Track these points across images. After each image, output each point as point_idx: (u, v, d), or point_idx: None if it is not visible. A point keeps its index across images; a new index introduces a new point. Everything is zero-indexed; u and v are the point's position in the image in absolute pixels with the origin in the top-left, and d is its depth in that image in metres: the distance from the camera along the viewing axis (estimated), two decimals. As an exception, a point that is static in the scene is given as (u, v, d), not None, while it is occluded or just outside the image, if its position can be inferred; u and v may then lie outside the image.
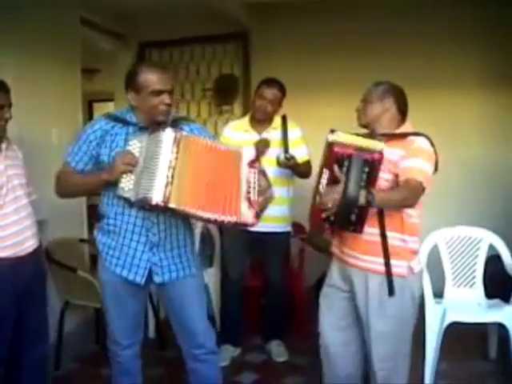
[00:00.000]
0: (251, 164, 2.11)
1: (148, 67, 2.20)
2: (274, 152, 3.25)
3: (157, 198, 2.00)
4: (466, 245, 3.26)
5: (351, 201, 1.94)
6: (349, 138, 2.04)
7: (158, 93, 2.15)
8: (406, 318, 2.21)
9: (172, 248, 2.29)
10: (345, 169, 1.97)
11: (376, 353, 2.19)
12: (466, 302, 3.16)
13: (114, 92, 5.22)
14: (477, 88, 4.24)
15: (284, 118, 3.34)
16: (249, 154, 2.15)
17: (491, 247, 3.23)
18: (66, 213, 3.71)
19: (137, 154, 2.10)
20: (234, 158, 2.12)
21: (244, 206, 2.06)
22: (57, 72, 3.70)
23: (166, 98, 2.17)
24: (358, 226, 2.04)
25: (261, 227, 3.21)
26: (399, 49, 4.30)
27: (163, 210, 2.11)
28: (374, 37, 4.33)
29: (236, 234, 3.12)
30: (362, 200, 1.95)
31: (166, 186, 2.00)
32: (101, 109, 6.76)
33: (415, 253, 2.24)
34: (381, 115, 2.28)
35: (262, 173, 2.17)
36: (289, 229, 3.43)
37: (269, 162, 3.23)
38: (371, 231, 2.14)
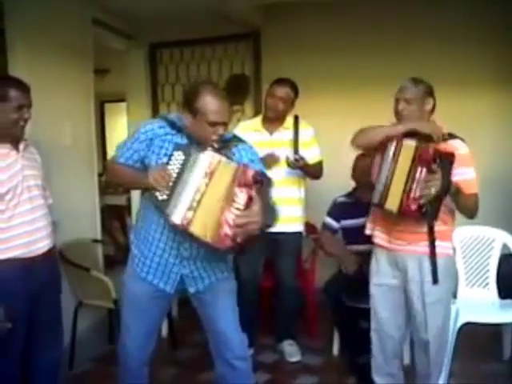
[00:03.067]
0: (243, 185, 1.96)
1: (209, 94, 2.10)
2: (285, 152, 3.25)
3: (176, 219, 2.01)
4: (480, 244, 3.24)
5: (446, 190, 2.29)
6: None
7: (214, 124, 2.11)
8: (451, 289, 2.62)
9: (203, 258, 2.26)
10: (436, 165, 2.28)
11: (431, 318, 2.50)
12: (480, 302, 3.14)
13: (125, 93, 5.25)
14: (491, 86, 4.19)
15: (296, 119, 3.34)
16: (246, 174, 1.97)
17: (505, 247, 3.21)
18: (79, 213, 3.73)
19: (178, 167, 2.05)
20: (229, 173, 2.01)
21: (223, 229, 1.94)
22: (69, 72, 3.71)
23: (219, 130, 2.12)
24: (436, 218, 2.38)
25: (272, 227, 3.23)
26: (411, 46, 4.26)
27: (182, 232, 2.08)
28: (386, 35, 4.30)
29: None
30: (452, 189, 2.31)
31: (189, 209, 1.99)
32: (112, 109, 6.79)
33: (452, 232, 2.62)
34: (422, 116, 2.49)
35: (259, 194, 1.98)
36: (301, 229, 3.42)
37: (280, 163, 3.25)
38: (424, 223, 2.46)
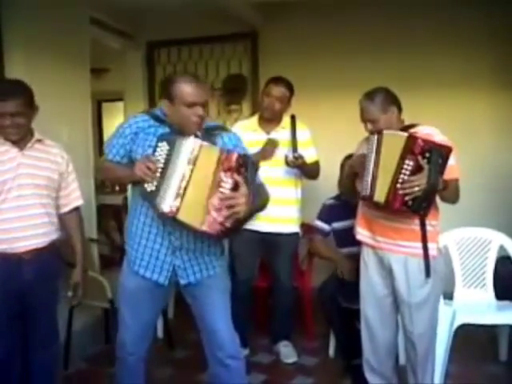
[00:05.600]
0: (228, 170, 2.00)
1: (184, 79, 2.16)
2: (282, 152, 3.24)
3: (165, 208, 2.02)
4: (476, 246, 3.23)
5: (433, 186, 2.24)
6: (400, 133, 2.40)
7: (192, 104, 2.13)
8: (438, 291, 2.60)
9: (195, 250, 2.27)
10: (426, 160, 2.25)
11: (416, 318, 2.52)
12: (476, 304, 3.13)
13: (123, 92, 5.24)
14: (489, 89, 4.21)
15: (293, 118, 3.33)
16: (230, 158, 2.01)
17: (501, 248, 3.20)
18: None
19: (164, 157, 2.08)
20: (212, 158, 2.05)
21: (210, 214, 1.98)
22: (66, 71, 3.70)
23: (198, 110, 2.14)
24: (426, 211, 2.34)
25: (269, 228, 3.24)
26: (409, 49, 4.28)
27: (171, 220, 2.10)
28: (384, 37, 4.31)
29: (245, 234, 3.10)
30: (440, 186, 2.27)
31: (176, 197, 2.01)
32: (110, 109, 6.78)
33: (438, 234, 2.59)
34: (392, 125, 2.47)
35: (244, 178, 2.01)
36: (297, 229, 3.42)
37: (277, 163, 3.25)
38: (410, 221, 2.46)
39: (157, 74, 5.11)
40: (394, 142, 2.36)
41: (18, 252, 2.36)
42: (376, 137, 2.43)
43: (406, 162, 2.28)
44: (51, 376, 2.62)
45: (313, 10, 4.45)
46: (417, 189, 2.25)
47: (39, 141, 2.48)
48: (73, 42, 3.76)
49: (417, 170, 2.26)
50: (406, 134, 2.35)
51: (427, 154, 2.25)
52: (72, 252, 2.65)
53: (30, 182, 2.39)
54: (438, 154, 2.25)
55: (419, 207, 2.31)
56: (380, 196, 2.38)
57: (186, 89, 2.13)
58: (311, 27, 4.51)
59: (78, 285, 2.62)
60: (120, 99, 5.49)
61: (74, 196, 2.63)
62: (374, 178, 2.40)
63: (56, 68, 3.58)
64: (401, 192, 2.29)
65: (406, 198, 2.28)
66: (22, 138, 2.39)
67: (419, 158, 2.26)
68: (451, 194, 2.46)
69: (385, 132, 2.41)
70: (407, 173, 2.28)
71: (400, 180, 2.30)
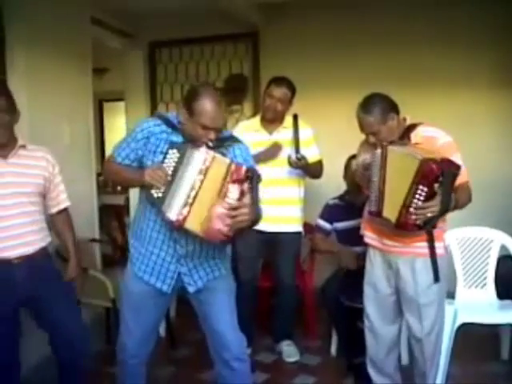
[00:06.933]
0: (235, 181, 2.02)
1: (208, 98, 2.12)
2: (285, 152, 3.25)
3: (171, 216, 2.04)
4: (478, 245, 3.24)
5: (446, 207, 2.22)
6: (407, 149, 2.35)
7: (206, 128, 2.12)
8: (444, 290, 2.60)
9: (200, 256, 2.26)
10: (438, 184, 2.19)
11: (425, 318, 2.51)
12: (478, 303, 3.14)
13: (124, 92, 5.24)
14: (489, 88, 4.21)
15: (295, 118, 3.33)
16: (239, 170, 2.04)
17: (503, 248, 3.21)
18: (77, 212, 3.66)
19: (173, 164, 2.08)
20: (222, 169, 2.05)
21: (212, 222, 2.00)
22: (68, 71, 3.71)
23: (211, 134, 2.13)
24: (435, 225, 2.34)
25: (272, 227, 3.24)
26: (409, 48, 4.28)
27: (179, 229, 2.11)
28: (384, 36, 4.30)
29: (248, 234, 3.09)
30: (452, 204, 2.25)
31: (184, 206, 2.03)
32: (111, 108, 6.80)
33: (444, 233, 2.60)
34: (394, 132, 2.44)
35: (250, 190, 2.05)
36: (300, 229, 3.42)
37: (280, 163, 3.25)
38: None
39: (158, 74, 5.11)
40: (405, 163, 2.27)
41: (7, 258, 2.35)
42: (379, 152, 2.39)
43: (420, 187, 2.21)
44: (81, 375, 2.63)
45: (313, 10, 4.45)
46: (430, 215, 2.21)
47: (23, 147, 2.42)
48: (74, 41, 3.78)
49: (431, 196, 2.21)
50: (419, 158, 2.21)
51: (440, 179, 2.19)
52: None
53: (15, 191, 2.36)
54: (450, 176, 2.21)
55: (429, 225, 2.29)
56: (390, 214, 2.34)
57: (207, 111, 2.10)
58: (312, 27, 4.51)
59: (72, 280, 2.63)
60: (121, 99, 5.49)
61: (62, 198, 2.63)
62: (382, 194, 2.37)
63: (58, 67, 3.59)
64: (414, 217, 2.24)
65: (418, 222, 2.25)
66: (5, 145, 2.35)
67: (434, 184, 2.19)
68: (463, 200, 2.38)
69: (389, 148, 2.36)
70: (421, 198, 2.21)
71: (413, 205, 2.23)
